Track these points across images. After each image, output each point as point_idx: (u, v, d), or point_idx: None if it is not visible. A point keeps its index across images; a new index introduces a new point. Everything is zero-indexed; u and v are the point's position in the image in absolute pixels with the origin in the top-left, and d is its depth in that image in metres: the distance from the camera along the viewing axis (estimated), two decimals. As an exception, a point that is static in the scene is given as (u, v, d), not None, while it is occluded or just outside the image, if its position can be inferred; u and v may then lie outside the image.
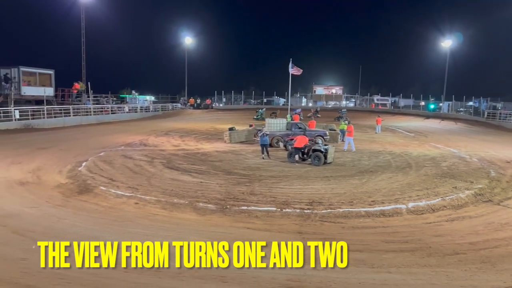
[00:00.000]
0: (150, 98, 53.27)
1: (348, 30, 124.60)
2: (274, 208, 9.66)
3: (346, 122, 25.24)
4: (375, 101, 59.18)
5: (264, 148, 17.30)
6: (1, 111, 26.10)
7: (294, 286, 5.78)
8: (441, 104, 50.32)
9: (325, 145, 17.04)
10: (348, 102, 66.01)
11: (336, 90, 66.99)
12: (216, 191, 11.22)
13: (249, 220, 8.87)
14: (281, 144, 20.37)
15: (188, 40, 56.89)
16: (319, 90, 66.52)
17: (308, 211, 9.53)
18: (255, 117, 40.06)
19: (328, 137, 22.40)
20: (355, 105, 62.12)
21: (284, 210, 9.57)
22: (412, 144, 23.78)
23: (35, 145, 18.32)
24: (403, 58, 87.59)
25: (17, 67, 29.71)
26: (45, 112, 28.90)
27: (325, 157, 15.84)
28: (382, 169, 15.13)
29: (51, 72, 32.96)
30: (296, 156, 16.26)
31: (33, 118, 27.69)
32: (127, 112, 39.68)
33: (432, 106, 48.96)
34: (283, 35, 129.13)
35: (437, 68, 54.61)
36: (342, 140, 23.73)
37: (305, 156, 16.25)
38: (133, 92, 52.25)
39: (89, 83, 37.26)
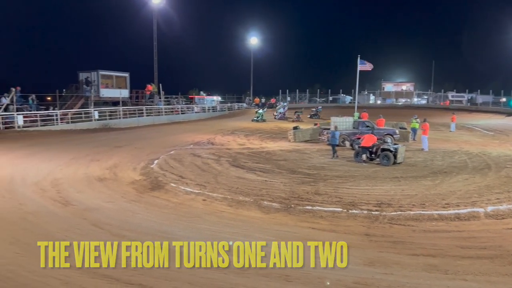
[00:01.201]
0: (217, 98, 54.77)
1: (419, 21, 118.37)
2: (340, 209, 9.44)
3: (418, 120, 24.00)
4: (450, 98, 55.59)
5: (334, 147, 16.96)
6: (83, 112, 28.36)
7: (361, 290, 5.59)
8: (526, 100, 45.99)
9: (395, 144, 16.33)
10: (419, 99, 62.76)
11: (407, 86, 64.01)
12: (280, 190, 11.22)
13: (314, 220, 8.75)
14: (347, 143, 19.89)
15: (253, 40, 57.62)
16: (388, 87, 64.03)
17: (376, 212, 9.18)
18: (254, 118, 36.16)
19: (398, 135, 21.47)
20: (428, 102, 58.89)
21: (350, 211, 9.31)
22: (491, 143, 22.03)
23: (112, 144, 19.61)
24: (481, 50, 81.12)
25: (96, 71, 32.02)
26: (121, 112, 30.83)
27: (395, 157, 15.19)
28: (458, 169, 14.18)
29: (126, 75, 35.09)
30: (364, 156, 15.76)
31: (110, 118, 29.68)
32: (195, 112, 41.10)
33: (514, 103, 44.96)
34: (350, 30, 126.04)
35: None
36: (413, 139, 22.64)
37: (373, 155, 15.70)
38: (201, 92, 53.99)
39: (160, 84, 39.18)
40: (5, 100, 23.54)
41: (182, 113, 38.97)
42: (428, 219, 8.83)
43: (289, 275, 5.86)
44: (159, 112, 35.59)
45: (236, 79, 76.25)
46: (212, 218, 8.82)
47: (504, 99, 49.86)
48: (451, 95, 56.29)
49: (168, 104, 39.47)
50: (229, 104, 49.67)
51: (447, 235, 7.91)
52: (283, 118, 37.81)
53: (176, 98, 43.39)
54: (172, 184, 11.73)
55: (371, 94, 64.26)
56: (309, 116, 39.71)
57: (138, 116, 32.51)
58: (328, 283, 4.56)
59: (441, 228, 8.33)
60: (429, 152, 18.40)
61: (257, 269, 6.06)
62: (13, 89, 23.82)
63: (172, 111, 38.03)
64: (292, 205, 9.67)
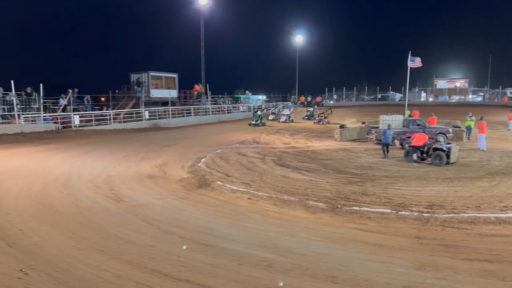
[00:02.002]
0: (262, 97, 54.94)
1: (474, 14, 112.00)
2: (389, 210, 9.14)
3: (473, 118, 22.80)
4: (508, 95, 52.28)
5: (385, 147, 16.45)
6: (134, 112, 29.50)
7: (411, 295, 5.38)
8: None
9: (448, 143, 15.61)
10: (475, 96, 59.55)
11: (461, 83, 60.92)
12: (326, 189, 11.06)
13: (361, 221, 8.54)
14: (397, 143, 19.26)
15: (299, 38, 57.22)
16: (441, 83, 61.22)
17: (428, 214, 8.81)
18: (252, 122, 31.45)
19: (451, 134, 20.51)
20: (483, 99, 55.74)
21: (400, 212, 8.99)
22: (556, 142, 20.48)
23: (161, 143, 20.25)
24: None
25: (146, 72, 33.21)
26: (170, 112, 31.76)
27: (448, 157, 14.52)
28: (518, 171, 13.31)
29: (175, 75, 36.10)
30: (414, 155, 15.20)
31: (159, 118, 30.65)
32: (241, 112, 41.50)
33: None
34: (400, 25, 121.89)
35: None
36: (468, 138, 21.55)
37: (424, 155, 15.11)
38: (247, 92, 54.40)
39: (207, 84, 39.94)
40: (63, 101, 25.01)
41: (228, 113, 39.48)
42: (484, 222, 8.35)
43: (336, 277, 5.76)
44: (206, 111, 36.28)
45: (281, 78, 76.13)
46: (257, 216, 8.86)
47: None
48: (509, 91, 52.91)
49: (214, 104, 40.15)
50: (274, 103, 49.70)
51: (505, 239, 7.44)
52: (288, 121, 34.49)
53: (222, 97, 44.03)
54: (218, 182, 11.91)
55: (423, 92, 61.81)
56: (302, 118, 37.13)
57: (186, 116, 33.31)
58: None
59: (498, 232, 7.85)
60: (486, 152, 17.43)
61: (303, 269, 6.02)
62: (70, 91, 25.25)
63: (218, 111, 38.64)
64: (339, 206, 9.50)
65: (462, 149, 16.85)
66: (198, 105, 36.91)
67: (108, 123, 26.22)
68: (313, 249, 6.94)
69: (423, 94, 61.18)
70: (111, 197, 10.18)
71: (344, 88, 58.38)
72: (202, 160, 15.43)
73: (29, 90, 23.46)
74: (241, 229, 7.98)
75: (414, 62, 25.13)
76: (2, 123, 21.33)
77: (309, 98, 54.86)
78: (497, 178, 12.32)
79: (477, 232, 7.85)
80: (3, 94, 22.25)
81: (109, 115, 26.54)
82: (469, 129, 22.33)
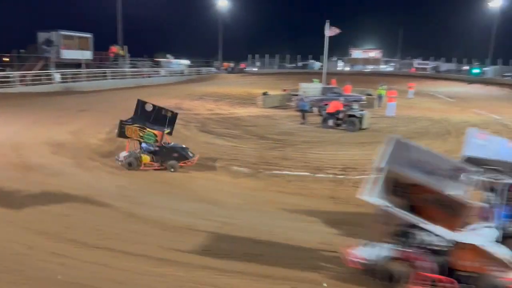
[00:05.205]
0: (185, 62, 53.41)
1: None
2: (307, 173, 9.65)
3: (384, 87, 24.44)
4: (415, 66, 56.79)
5: (303, 113, 17.17)
6: (43, 74, 27.00)
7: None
8: (485, 69, 47.63)
9: (361, 110, 16.65)
10: (387, 66, 63.72)
11: (375, 53, 64.65)
12: (249, 155, 11.30)
13: (282, 184, 8.93)
14: (315, 109, 20.06)
15: (222, 1, 55.86)
16: (356, 53, 64.51)
17: (342, 176, 9.45)
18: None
19: (365, 102, 21.84)
20: (394, 69, 59.93)
21: (316, 175, 9.54)
22: (452, 110, 22.82)
23: (75, 107, 18.95)
24: (447, 19, 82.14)
25: (57, 31, 30.35)
26: (84, 75, 29.63)
27: (361, 123, 15.52)
28: (420, 135, 14.67)
29: (89, 35, 33.45)
30: (331, 122, 16.01)
31: (73, 81, 28.49)
32: (162, 76, 40.08)
33: (475, 71, 46.45)
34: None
35: (484, 30, 51.19)
36: (379, 106, 23.11)
37: (339, 121, 15.97)
38: (168, 56, 52.43)
39: (126, 47, 37.70)
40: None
41: (148, 77, 37.91)
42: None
43: (257, 236, 6.03)
44: (124, 75, 34.46)
45: (205, 42, 74.04)
46: (181, 183, 8.83)
47: (466, 67, 51.46)
48: (416, 62, 57.52)
49: (134, 67, 38.23)
50: (197, 69, 48.69)
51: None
52: None
53: (142, 61, 42.03)
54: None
55: (340, 61, 64.57)
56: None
57: (102, 79, 31.36)
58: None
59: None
60: (394, 119, 18.89)
61: (228, 229, 6.19)
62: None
63: (138, 75, 36.91)
64: (261, 170, 9.80)
65: (374, 116, 18.09)
66: (115, 68, 34.86)
67: (13, 85, 23.79)
68: (235, 212, 7.14)
69: (340, 63, 64.00)
70: (20, 166, 9.43)
71: (267, 56, 58.87)
72: (121, 126, 14.74)
73: None
74: (164, 196, 7.91)
75: (331, 31, 25.98)
76: None
77: (232, 65, 54.47)
78: (424, 141, 13.47)
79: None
80: None
81: (14, 77, 24.05)
82: (380, 97, 23.93)
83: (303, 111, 17.26)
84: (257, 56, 59.03)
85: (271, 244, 5.86)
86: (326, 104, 17.97)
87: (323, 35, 26.34)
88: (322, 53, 29.40)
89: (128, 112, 10.21)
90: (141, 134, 9.37)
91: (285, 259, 5.37)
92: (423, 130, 15.88)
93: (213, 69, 52.10)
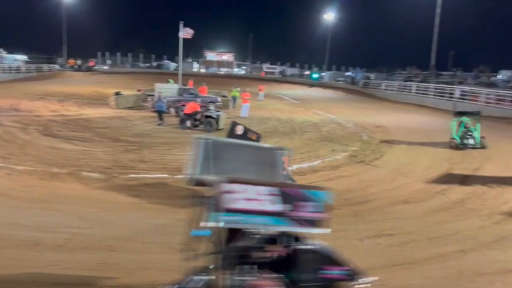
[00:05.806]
0: (21, 57, 47.04)
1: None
2: (166, 175, 9.51)
3: (238, 89, 25.60)
4: (264, 69, 61.01)
5: (160, 114, 16.82)
6: None
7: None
8: (323, 74, 54.05)
9: (217, 111, 17.14)
10: (239, 69, 66.82)
11: (228, 56, 67.15)
12: (101, 159, 10.60)
13: (139, 188, 8.61)
14: (172, 110, 19.88)
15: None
16: (210, 55, 66.02)
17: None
18: None
19: (221, 103, 22.53)
20: (246, 73, 63.23)
21: (175, 176, 9.47)
22: (297, 111, 25.25)
23: None
24: (291, 27, 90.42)
25: None
26: None
27: (217, 123, 15.98)
28: (270, 134, 15.81)
29: None
30: (188, 122, 16.10)
31: None
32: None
33: (315, 75, 52.26)
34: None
35: (321, 39, 58.00)
36: (233, 107, 24.11)
37: (197, 122, 16.17)
38: (1, 50, 45.47)
39: None
40: None
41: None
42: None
43: (112, 245, 5.71)
44: None
45: (46, 36, 66.17)
46: (19, 194, 7.78)
47: (308, 72, 57.45)
48: (265, 66, 61.87)
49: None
50: (37, 65, 43.40)
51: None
52: None
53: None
54: (-37, 158, 9.80)
55: (195, 62, 65.25)
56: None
57: None
58: None
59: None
60: (247, 119, 19.92)
61: (77, 242, 5.70)
62: None
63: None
64: (115, 174, 9.28)
65: (229, 117, 18.79)
66: None
67: None
68: (85, 222, 6.61)
69: (196, 65, 64.70)
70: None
71: (119, 54, 55.87)
72: None
73: None
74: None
75: (186, 32, 26.11)
76: None
77: (79, 62, 49.93)
78: (274, 139, 14.34)
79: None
80: None
81: None
82: (234, 98, 24.99)
83: (160, 112, 16.96)
84: (107, 53, 55.53)
85: (127, 251, 5.61)
86: (183, 105, 18.01)
87: (178, 36, 26.27)
88: (177, 54, 29.32)
89: None
90: None
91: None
92: (273, 130, 17.17)
93: (56, 66, 47.18)
